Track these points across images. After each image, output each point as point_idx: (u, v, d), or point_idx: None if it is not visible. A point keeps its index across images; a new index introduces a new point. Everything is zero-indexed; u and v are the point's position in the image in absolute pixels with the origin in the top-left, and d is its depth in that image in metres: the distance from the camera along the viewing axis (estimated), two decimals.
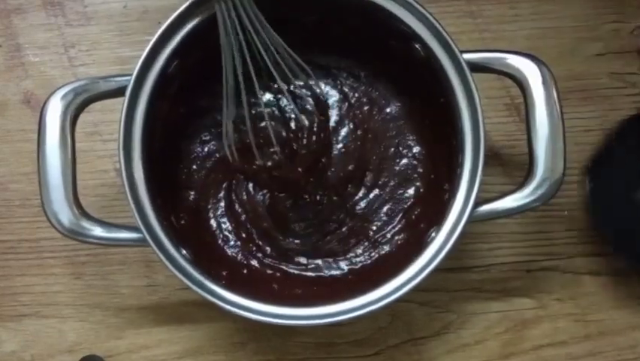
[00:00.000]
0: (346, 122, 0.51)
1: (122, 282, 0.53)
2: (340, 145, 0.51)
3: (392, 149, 0.51)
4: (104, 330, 0.52)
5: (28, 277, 0.53)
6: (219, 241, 0.50)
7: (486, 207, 0.44)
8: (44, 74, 0.54)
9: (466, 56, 0.43)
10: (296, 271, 0.50)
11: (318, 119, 0.47)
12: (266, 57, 0.44)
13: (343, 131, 0.51)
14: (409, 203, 0.51)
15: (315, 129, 0.48)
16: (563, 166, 0.43)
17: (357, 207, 0.51)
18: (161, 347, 0.52)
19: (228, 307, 0.42)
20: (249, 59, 0.43)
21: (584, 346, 0.52)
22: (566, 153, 0.43)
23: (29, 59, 0.54)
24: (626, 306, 0.52)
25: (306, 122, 0.48)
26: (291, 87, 0.47)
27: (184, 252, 0.44)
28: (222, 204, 0.51)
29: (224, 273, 0.46)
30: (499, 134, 0.53)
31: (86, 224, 0.44)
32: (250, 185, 0.50)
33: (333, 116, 0.51)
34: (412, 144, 0.51)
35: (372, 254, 0.50)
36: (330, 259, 0.50)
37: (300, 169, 0.47)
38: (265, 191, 0.50)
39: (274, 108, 0.50)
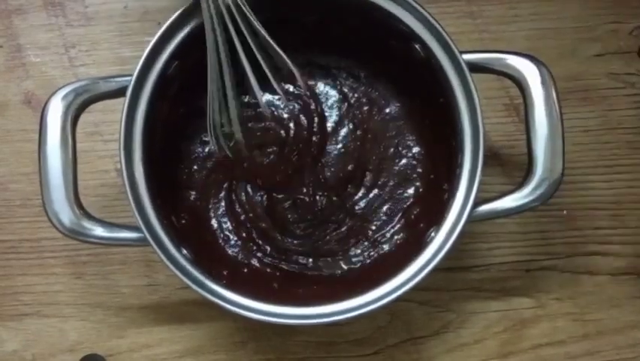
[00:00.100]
0: (346, 122, 0.51)
1: (123, 281, 0.53)
2: (340, 145, 0.51)
3: (392, 149, 0.51)
4: (105, 329, 0.53)
5: (29, 276, 0.53)
6: (220, 241, 0.50)
7: (485, 207, 0.44)
8: (45, 75, 0.54)
9: (466, 56, 0.44)
10: (296, 271, 0.50)
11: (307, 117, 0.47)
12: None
13: (343, 132, 0.51)
14: (408, 203, 0.51)
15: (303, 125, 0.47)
16: (562, 166, 0.43)
17: (357, 207, 0.51)
18: (162, 346, 0.53)
19: (229, 306, 0.43)
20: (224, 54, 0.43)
21: (583, 345, 0.52)
22: (565, 153, 0.43)
23: (30, 59, 0.54)
24: (624, 305, 0.53)
25: (304, 121, 0.47)
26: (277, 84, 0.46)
27: (184, 251, 0.44)
28: (223, 203, 0.51)
29: (224, 272, 0.47)
30: (499, 135, 0.53)
31: (87, 224, 0.44)
32: (249, 186, 0.51)
33: (333, 116, 0.51)
34: (412, 144, 0.51)
35: (372, 254, 0.50)
36: (330, 259, 0.50)
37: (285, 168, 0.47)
38: (263, 192, 0.50)
39: (272, 107, 0.50)
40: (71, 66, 0.54)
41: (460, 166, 0.44)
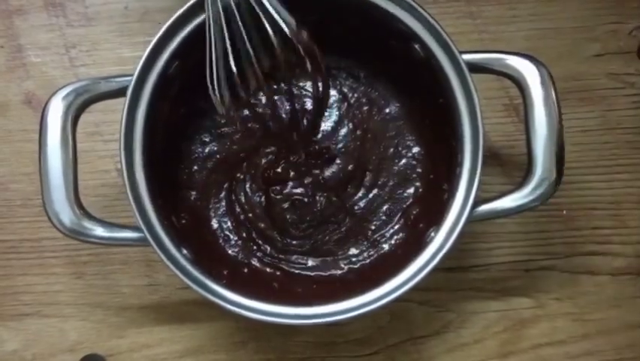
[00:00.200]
0: (346, 122, 0.51)
1: (123, 281, 0.53)
2: (340, 145, 0.51)
3: (391, 149, 0.51)
4: (105, 329, 0.53)
5: (29, 276, 0.53)
6: (220, 241, 0.50)
7: (485, 207, 0.44)
8: (45, 75, 0.54)
9: (466, 56, 0.44)
10: (296, 270, 0.50)
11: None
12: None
13: (343, 132, 0.51)
14: (408, 203, 0.51)
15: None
16: (562, 166, 0.44)
17: (357, 207, 0.51)
18: (163, 346, 0.53)
19: (229, 306, 0.43)
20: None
21: (582, 345, 0.52)
22: (565, 153, 0.44)
23: (31, 59, 0.54)
24: (624, 305, 0.53)
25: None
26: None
27: (185, 251, 0.44)
28: (223, 203, 0.51)
29: (224, 272, 0.47)
30: (498, 135, 0.53)
31: (87, 224, 0.44)
32: (248, 186, 0.51)
33: (333, 116, 0.52)
34: (412, 144, 0.51)
35: (372, 254, 0.50)
36: (330, 259, 0.50)
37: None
38: (261, 193, 0.51)
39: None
40: (72, 66, 0.54)
41: (460, 166, 0.44)
